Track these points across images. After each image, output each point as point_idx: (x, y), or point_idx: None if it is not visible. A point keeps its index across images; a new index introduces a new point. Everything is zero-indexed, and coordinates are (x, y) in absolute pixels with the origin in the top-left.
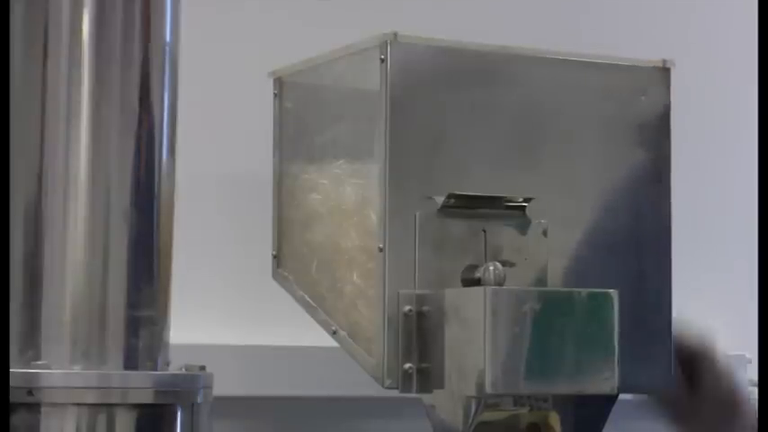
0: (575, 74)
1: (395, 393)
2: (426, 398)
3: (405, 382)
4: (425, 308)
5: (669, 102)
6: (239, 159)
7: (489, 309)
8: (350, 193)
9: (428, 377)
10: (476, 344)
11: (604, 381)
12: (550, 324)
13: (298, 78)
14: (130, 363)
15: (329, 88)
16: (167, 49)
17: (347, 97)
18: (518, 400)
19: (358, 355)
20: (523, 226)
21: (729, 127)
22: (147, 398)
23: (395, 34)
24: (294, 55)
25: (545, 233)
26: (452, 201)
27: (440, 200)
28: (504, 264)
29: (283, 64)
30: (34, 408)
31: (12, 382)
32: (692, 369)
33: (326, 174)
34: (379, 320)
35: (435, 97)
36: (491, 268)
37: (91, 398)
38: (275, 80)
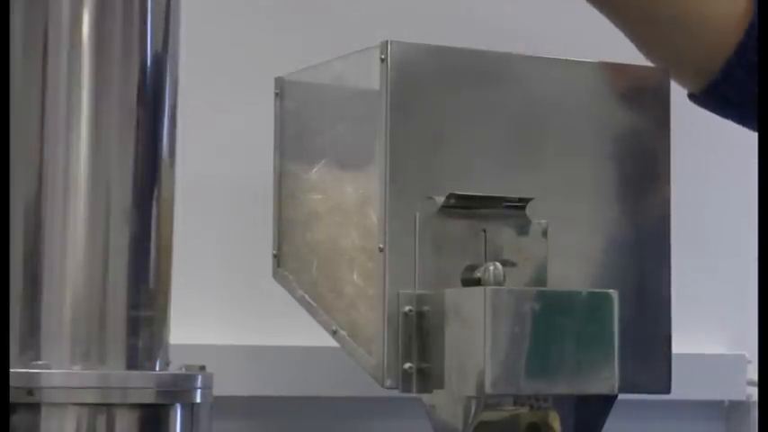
0: (575, 74)
1: (395, 393)
2: (426, 398)
3: (405, 382)
4: (425, 308)
5: (669, 102)
6: (240, 159)
7: (489, 309)
8: (350, 193)
9: (428, 377)
10: (476, 344)
11: (604, 381)
12: (550, 324)
13: (299, 77)
14: (130, 363)
15: (329, 88)
16: (167, 48)
17: (347, 97)
18: (518, 400)
19: (358, 355)
20: (523, 226)
21: (729, 126)
22: (147, 398)
23: None
24: (295, 54)
25: (545, 233)
26: (452, 201)
27: (440, 200)
28: (504, 264)
29: (284, 63)
30: (34, 408)
31: (12, 382)
32: None
33: (327, 174)
34: (379, 320)
35: (435, 97)
36: (491, 268)
37: (91, 398)
38: (276, 79)
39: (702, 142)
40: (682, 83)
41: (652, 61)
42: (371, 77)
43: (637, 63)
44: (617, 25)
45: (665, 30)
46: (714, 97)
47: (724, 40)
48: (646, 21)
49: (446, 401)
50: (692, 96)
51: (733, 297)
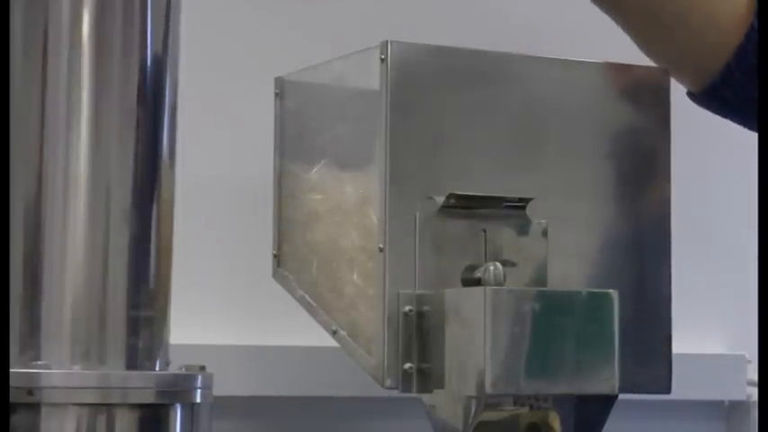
0: (575, 74)
1: (395, 393)
2: (426, 398)
3: (405, 382)
4: (425, 308)
5: (669, 101)
6: (240, 159)
7: (489, 309)
8: (350, 193)
9: (428, 377)
10: (476, 344)
11: (604, 381)
12: (550, 324)
13: (299, 77)
14: (130, 363)
15: (329, 88)
16: (167, 48)
17: (347, 97)
18: (518, 400)
19: (358, 355)
20: (523, 226)
21: (729, 126)
22: (147, 398)
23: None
24: (295, 54)
25: (545, 233)
26: (452, 201)
27: (440, 200)
28: (504, 264)
29: (284, 63)
30: (34, 408)
31: (12, 382)
32: None
33: (327, 174)
34: (379, 320)
35: (435, 97)
36: (491, 268)
37: (91, 398)
38: (276, 79)
39: (702, 141)
40: (681, 82)
41: (652, 59)
42: (371, 77)
43: (637, 62)
44: (618, 22)
45: (666, 27)
46: (713, 98)
47: (725, 39)
48: (647, 17)
49: (446, 401)
50: (690, 95)
51: (733, 297)
